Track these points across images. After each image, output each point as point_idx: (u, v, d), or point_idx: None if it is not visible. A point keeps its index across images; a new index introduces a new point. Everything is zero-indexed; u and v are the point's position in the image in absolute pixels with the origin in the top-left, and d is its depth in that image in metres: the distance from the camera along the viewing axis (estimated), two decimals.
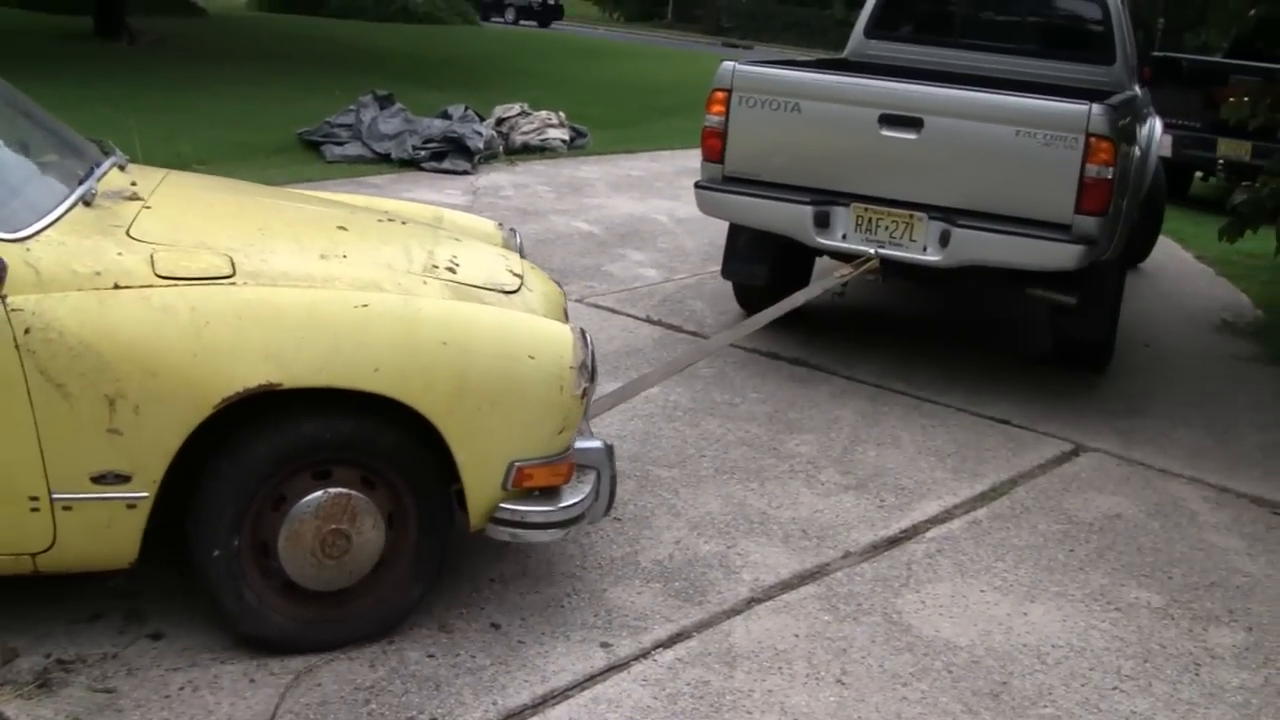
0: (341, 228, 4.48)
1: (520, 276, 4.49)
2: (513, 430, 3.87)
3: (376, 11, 36.42)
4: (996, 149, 6.50)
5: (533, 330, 4.01)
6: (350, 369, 3.65)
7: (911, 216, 6.69)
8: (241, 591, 3.78)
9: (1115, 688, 4.11)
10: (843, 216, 6.83)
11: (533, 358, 3.89)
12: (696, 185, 7.27)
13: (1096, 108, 6.34)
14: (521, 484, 3.90)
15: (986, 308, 9.20)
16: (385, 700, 3.66)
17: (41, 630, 3.85)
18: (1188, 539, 5.31)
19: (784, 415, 6.30)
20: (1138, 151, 7.40)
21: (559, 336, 4.00)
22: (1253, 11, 7.19)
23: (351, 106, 13.16)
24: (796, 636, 4.23)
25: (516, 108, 14.41)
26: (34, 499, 3.51)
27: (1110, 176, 6.33)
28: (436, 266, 4.26)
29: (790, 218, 6.90)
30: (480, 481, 3.87)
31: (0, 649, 3.72)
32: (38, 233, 3.58)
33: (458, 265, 4.33)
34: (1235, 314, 9.59)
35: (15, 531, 3.56)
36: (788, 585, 4.59)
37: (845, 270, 6.74)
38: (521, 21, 48.71)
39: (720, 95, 7.03)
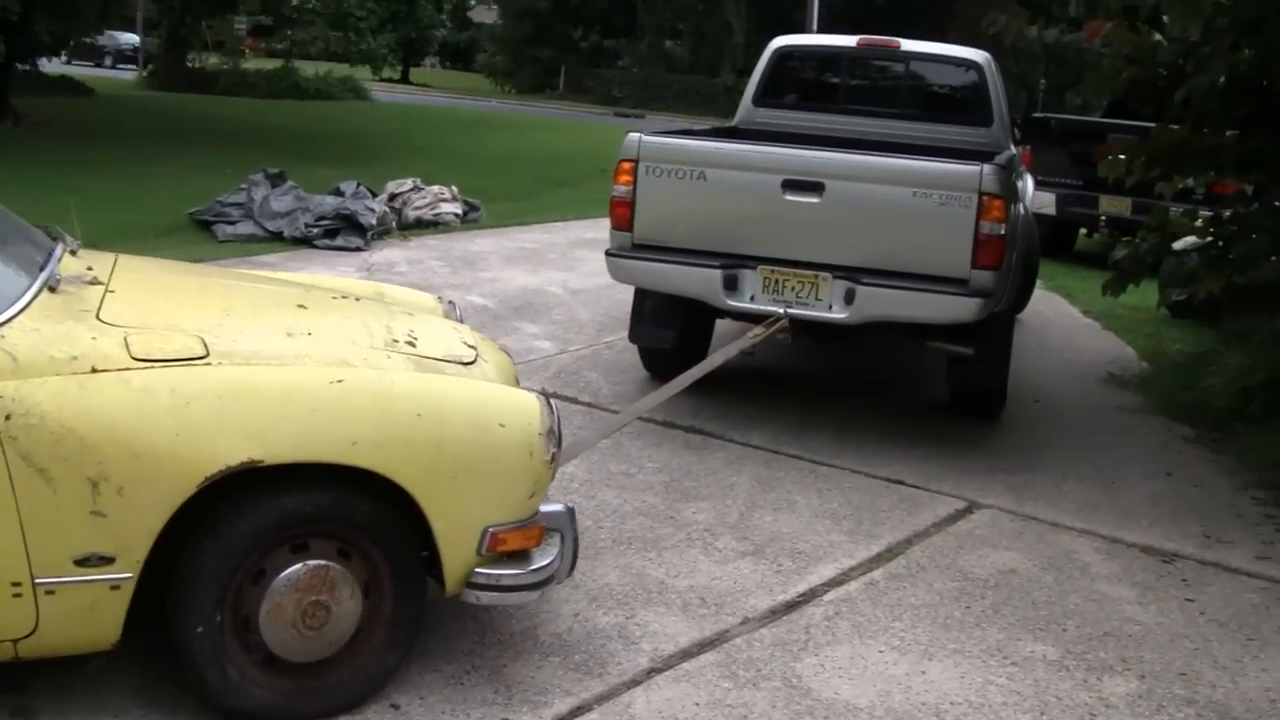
0: (301, 305, 4.60)
1: (475, 348, 4.63)
2: (487, 497, 4.00)
3: (267, 89, 36.28)
4: (895, 209, 6.73)
5: (502, 399, 4.16)
6: (329, 444, 3.74)
7: (817, 276, 6.87)
8: (224, 667, 3.79)
9: None
10: (750, 279, 7.00)
11: (503, 425, 4.02)
12: (607, 253, 7.39)
13: (988, 168, 6.59)
14: (495, 549, 4.01)
15: (881, 363, 9.33)
16: None
17: None
18: (1081, 591, 5.39)
19: (680, 484, 6.31)
20: (1022, 208, 7.62)
21: (527, 404, 4.13)
22: (1124, 74, 7.37)
23: (243, 185, 13.07)
24: (697, 705, 4.23)
25: (409, 183, 14.39)
26: (16, 584, 3.50)
27: (1003, 232, 6.60)
28: (397, 341, 4.38)
29: (700, 281, 7.05)
30: (456, 548, 3.97)
31: None
32: (10, 319, 3.62)
33: (416, 339, 4.45)
34: (1121, 366, 9.75)
35: None
36: (687, 654, 4.59)
37: (757, 330, 6.85)
38: (119, 66, 47.85)
39: (627, 165, 7.17)
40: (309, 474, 3.76)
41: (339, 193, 13.21)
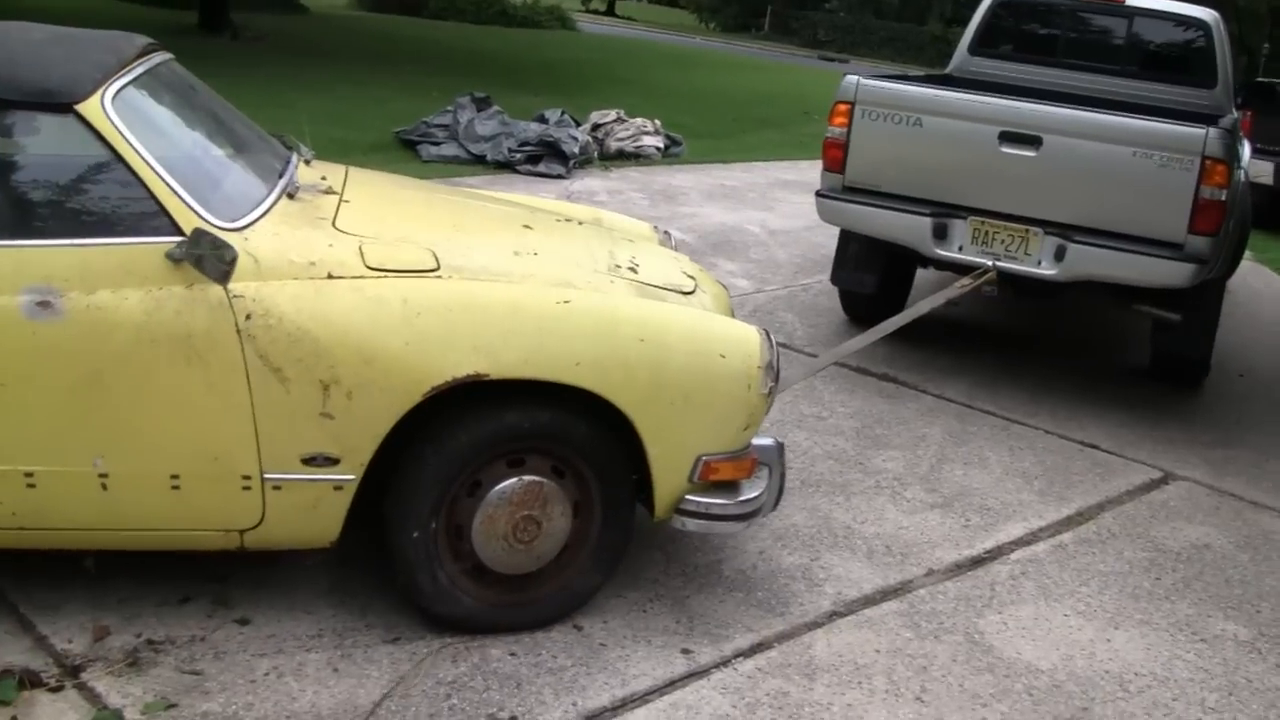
0: (526, 226, 4.70)
1: (694, 278, 4.68)
2: (702, 425, 4.04)
3: (475, 14, 36.70)
4: (1113, 168, 6.63)
5: (723, 330, 4.17)
6: (554, 362, 3.81)
7: (1028, 231, 6.86)
8: (436, 573, 3.94)
9: (1199, 719, 4.07)
10: (960, 229, 7.01)
11: (724, 356, 4.05)
12: (817, 194, 7.43)
13: (1213, 131, 6.46)
14: (707, 477, 4.07)
15: (1081, 325, 9.15)
16: (466, 696, 3.70)
17: (132, 611, 3.93)
18: (1278, 573, 5.24)
19: (871, 431, 6.29)
20: (1242, 174, 7.41)
21: (748, 337, 4.15)
22: None
23: (449, 108, 13.26)
24: (877, 652, 4.22)
25: (613, 114, 14.45)
26: (246, 478, 3.68)
27: (1223, 198, 6.47)
28: (619, 266, 4.44)
29: (909, 228, 7.09)
30: (669, 474, 4.04)
31: (93, 627, 3.81)
32: (252, 223, 3.76)
33: (638, 266, 4.51)
34: None
35: (227, 508, 3.73)
36: (870, 600, 4.58)
37: (964, 281, 6.86)
38: None
39: (843, 108, 7.21)
40: (530, 391, 3.84)
41: (543, 120, 13.32)
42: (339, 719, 3.52)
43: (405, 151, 12.58)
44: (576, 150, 12.69)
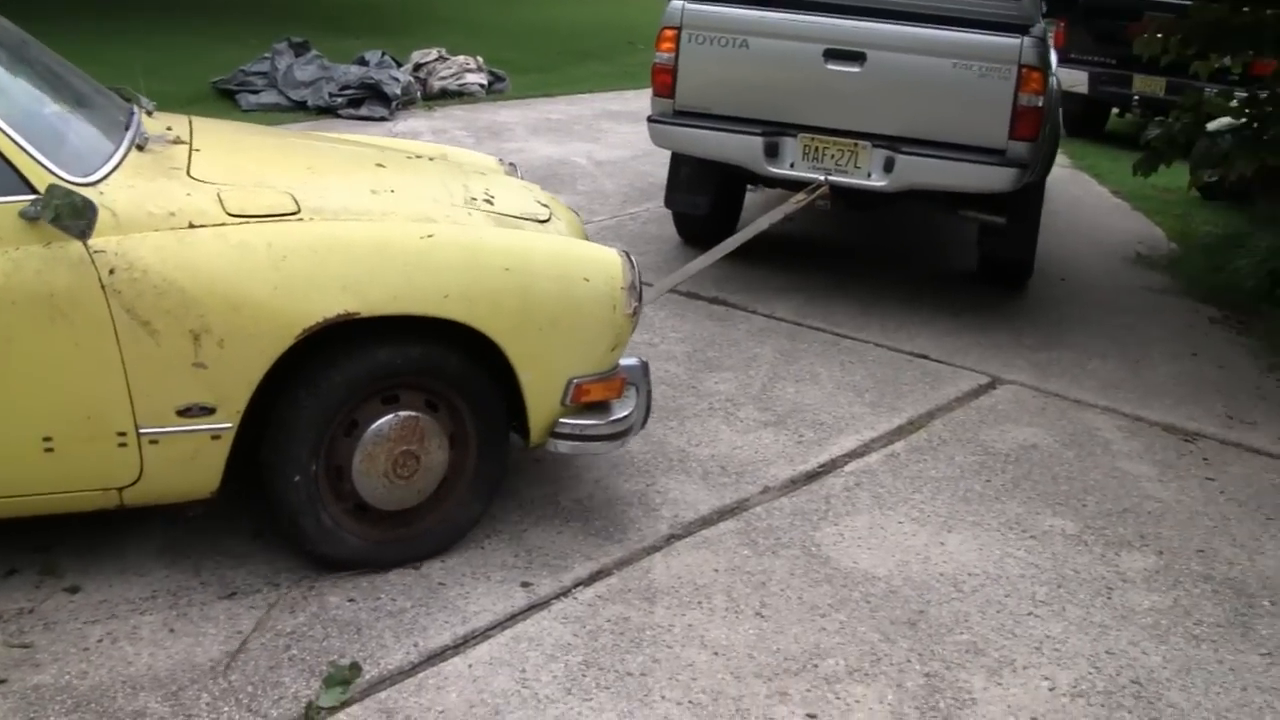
0: (380, 165, 4.69)
1: (547, 206, 4.74)
2: (571, 349, 4.16)
3: None
4: (935, 80, 6.92)
5: (586, 254, 4.28)
6: (422, 296, 3.86)
7: (856, 145, 7.08)
8: (319, 515, 3.97)
9: (1030, 613, 4.17)
10: (791, 146, 7.20)
11: (588, 280, 4.16)
12: (649, 119, 7.55)
13: (1028, 40, 6.77)
14: (580, 399, 4.20)
15: (908, 237, 9.32)
16: (306, 645, 3.66)
17: None
18: (1101, 467, 5.39)
19: (703, 354, 6.32)
20: (1055, 81, 7.72)
21: (610, 259, 4.27)
22: None
23: (266, 54, 12.95)
24: (716, 571, 4.26)
25: (434, 53, 14.24)
26: (121, 434, 3.63)
27: (1040, 104, 6.80)
28: (475, 199, 4.47)
29: (742, 148, 7.24)
30: (542, 399, 4.14)
31: None
32: (105, 177, 3.68)
33: (493, 198, 4.55)
34: (1150, 247, 9.69)
35: (104, 467, 3.68)
36: (707, 521, 4.62)
37: (799, 196, 7.06)
38: None
39: (670, 33, 7.33)
40: (400, 327, 3.88)
41: (363, 62, 13.11)
42: (177, 679, 3.46)
43: (224, 101, 12.28)
44: (399, 91, 12.51)
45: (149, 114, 4.47)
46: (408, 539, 4.16)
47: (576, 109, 13.94)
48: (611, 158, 11.10)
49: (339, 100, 12.13)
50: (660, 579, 4.18)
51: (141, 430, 3.64)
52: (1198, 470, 5.45)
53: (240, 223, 3.74)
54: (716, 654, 3.79)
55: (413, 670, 3.60)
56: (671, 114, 7.43)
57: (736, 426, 5.44)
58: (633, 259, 4.37)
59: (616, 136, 12.20)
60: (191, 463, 3.75)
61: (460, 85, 13.86)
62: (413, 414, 4.01)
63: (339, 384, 3.84)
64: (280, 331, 3.67)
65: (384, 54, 13.41)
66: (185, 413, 3.66)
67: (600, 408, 4.27)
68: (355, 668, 3.56)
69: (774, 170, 7.26)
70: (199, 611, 3.78)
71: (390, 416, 3.97)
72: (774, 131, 7.19)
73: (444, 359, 3.99)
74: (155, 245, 3.58)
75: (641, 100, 14.62)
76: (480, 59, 14.60)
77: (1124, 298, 8.21)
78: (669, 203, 8.14)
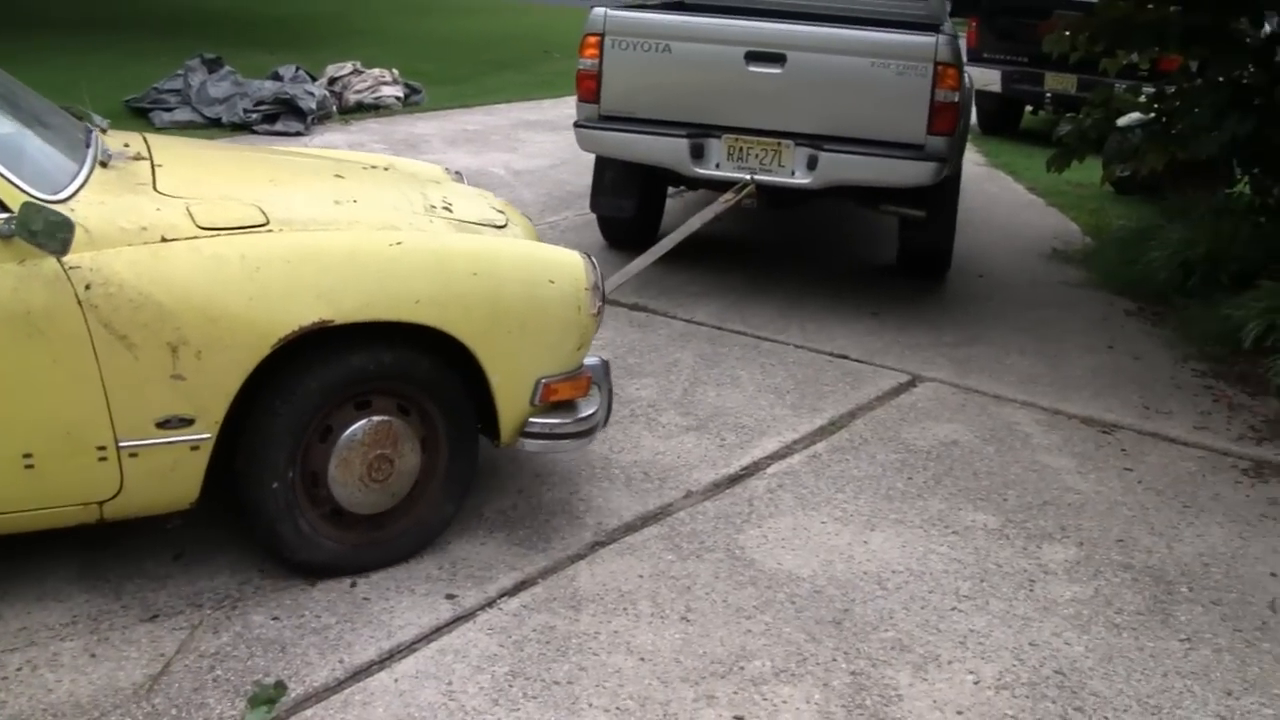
0: (338, 176, 4.79)
1: (503, 212, 4.84)
2: (539, 350, 4.27)
3: None
4: (854, 79, 7.08)
5: (550, 257, 4.39)
6: (394, 303, 3.94)
7: (779, 144, 7.23)
8: (297, 521, 4.03)
9: (954, 608, 4.20)
10: (716, 147, 7.34)
11: (553, 282, 4.29)
12: (575, 125, 7.65)
13: (942, 38, 6.96)
14: (548, 399, 4.31)
15: (822, 238, 9.36)
16: (230, 666, 3.63)
17: None
18: (1022, 461, 5.44)
19: (623, 360, 6.31)
20: (968, 78, 7.92)
21: (573, 261, 4.40)
22: None
23: (179, 71, 12.84)
24: (641, 577, 4.26)
25: (349, 66, 14.17)
26: (101, 448, 3.65)
27: (956, 100, 6.99)
28: (434, 207, 4.57)
29: (668, 150, 7.37)
30: (512, 399, 4.25)
31: None
32: (74, 194, 3.69)
33: (452, 205, 4.66)
34: (1065, 242, 9.79)
35: (84, 482, 3.69)
36: (631, 527, 4.62)
37: (726, 196, 7.26)
38: None
39: (593, 40, 7.46)
40: (371, 333, 3.96)
41: (278, 77, 13.03)
42: (100, 705, 3.42)
43: (138, 120, 12.14)
44: (314, 106, 12.43)
45: (104, 131, 4.48)
46: (382, 542, 4.22)
47: (493, 119, 13.93)
48: (529, 167, 11.10)
49: (254, 116, 12.04)
50: (585, 587, 4.18)
51: (121, 444, 3.66)
52: (1116, 461, 5.52)
53: (212, 235, 3.78)
54: (643, 660, 3.79)
55: (339, 687, 3.57)
56: (597, 119, 7.54)
57: (659, 432, 5.45)
58: (594, 261, 4.50)
59: (534, 146, 12.20)
60: (171, 474, 3.78)
61: (376, 98, 13.81)
62: (386, 418, 4.08)
63: (314, 391, 3.91)
64: (257, 341, 3.73)
65: (298, 68, 13.33)
66: (164, 424, 3.69)
67: (567, 406, 4.38)
68: (280, 686, 3.53)
69: (700, 171, 7.38)
70: (120, 635, 3.74)
71: (364, 421, 4.04)
72: (699, 133, 7.31)
73: (415, 363, 4.07)
74: (129, 260, 3.60)
75: (558, 109, 14.71)
76: (395, 71, 14.55)
77: (1041, 292, 8.30)
78: (594, 207, 8.24)
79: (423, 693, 3.55)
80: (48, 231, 3.43)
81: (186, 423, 3.71)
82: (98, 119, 4.55)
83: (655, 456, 5.21)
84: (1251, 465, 5.56)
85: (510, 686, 3.61)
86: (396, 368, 4.04)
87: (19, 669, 3.55)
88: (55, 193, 3.62)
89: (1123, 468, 5.44)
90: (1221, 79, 7.89)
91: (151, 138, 4.70)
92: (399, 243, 4.05)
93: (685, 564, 4.37)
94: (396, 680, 3.61)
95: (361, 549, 4.18)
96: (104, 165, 4.01)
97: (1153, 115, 8.28)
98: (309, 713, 3.45)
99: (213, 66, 12.92)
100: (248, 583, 4.06)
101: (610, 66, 7.43)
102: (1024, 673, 3.86)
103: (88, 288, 3.53)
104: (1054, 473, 5.34)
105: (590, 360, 4.57)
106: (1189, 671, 3.94)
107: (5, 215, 3.47)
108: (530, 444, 4.37)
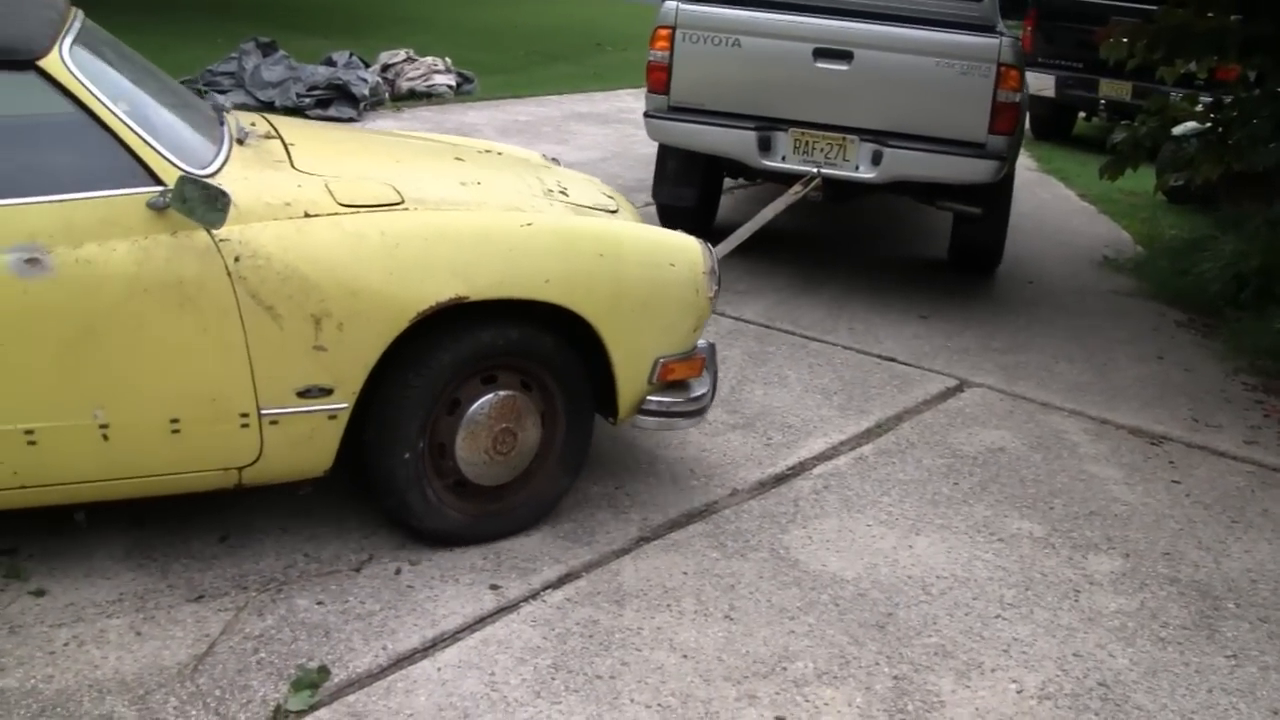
0: (458, 159, 4.99)
1: (613, 198, 5.02)
2: (658, 330, 4.42)
3: None
4: (919, 77, 7.30)
5: (669, 241, 4.56)
6: (525, 281, 4.09)
7: (845, 139, 7.45)
8: (425, 490, 4.17)
9: (998, 616, 4.18)
10: (783, 140, 7.57)
11: (673, 265, 4.45)
12: (645, 115, 7.88)
13: (1005, 40, 7.17)
14: (664, 378, 4.46)
15: (872, 236, 9.33)
16: (274, 649, 3.64)
17: None
18: (1069, 470, 5.41)
19: None
20: (1026, 79, 8.02)
21: (692, 246, 4.57)
22: None
23: (233, 54, 12.90)
24: (685, 574, 4.26)
25: (402, 54, 14.20)
26: (244, 415, 3.79)
27: (1017, 100, 7.22)
28: (551, 191, 4.73)
29: (736, 141, 7.59)
30: (631, 377, 4.39)
31: None
32: (219, 169, 3.84)
33: (566, 189, 4.82)
34: (1116, 250, 9.74)
35: (226, 447, 3.84)
36: (676, 524, 4.61)
37: (796, 188, 7.53)
38: None
39: (664, 32, 7.65)
40: (498, 310, 4.09)
41: (331, 63, 13.06)
42: (144, 683, 3.44)
43: None
44: (366, 92, 12.46)
45: (228, 112, 4.59)
46: (501, 513, 4.37)
47: (545, 110, 13.94)
48: (580, 159, 11.07)
49: (306, 101, 12.08)
50: (629, 582, 4.18)
51: (263, 411, 3.80)
52: (1164, 473, 5.48)
53: (352, 212, 3.93)
54: (685, 657, 3.78)
55: (381, 673, 3.58)
56: (666, 109, 7.73)
57: (705, 429, 5.44)
58: (709, 246, 4.61)
59: (585, 138, 12.21)
60: (308, 442, 3.92)
61: (428, 86, 13.84)
62: (511, 393, 4.22)
63: (446, 365, 4.04)
64: (396, 315, 3.86)
65: (352, 54, 13.36)
66: (305, 394, 3.83)
67: (680, 386, 4.53)
68: (324, 671, 3.54)
69: (767, 163, 7.58)
70: (166, 615, 3.76)
71: (491, 395, 4.18)
72: (766, 126, 7.52)
73: (539, 340, 4.21)
74: (276, 234, 3.75)
75: (609, 102, 14.73)
76: (448, 60, 14.58)
77: (1091, 301, 8.26)
78: (656, 195, 8.39)
79: (465, 682, 3.56)
80: (206, 204, 3.56)
81: (326, 392, 3.85)
82: (219, 98, 4.68)
83: (701, 454, 5.21)
84: None
85: (552, 679, 3.61)
86: (522, 344, 4.17)
87: (66, 644, 3.57)
88: (202, 168, 3.76)
89: (1170, 480, 5.41)
90: None
91: (272, 118, 4.84)
92: (530, 224, 4.20)
93: (729, 562, 4.36)
94: (439, 669, 3.62)
95: (481, 520, 4.32)
96: (240, 143, 4.13)
97: (1209, 125, 8.22)
98: (351, 698, 3.46)
99: (267, 50, 12.97)
100: (293, 566, 4.08)
101: (681, 59, 7.61)
102: (1067, 683, 3.84)
103: (237, 259, 3.67)
104: (1101, 483, 5.31)
105: (700, 343, 4.69)
106: (1234, 688, 3.91)
107: (160, 188, 3.61)
108: (645, 421, 4.51)
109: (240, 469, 3.88)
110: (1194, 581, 4.55)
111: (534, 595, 4.05)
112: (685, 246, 4.53)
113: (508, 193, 4.52)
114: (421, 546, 4.26)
